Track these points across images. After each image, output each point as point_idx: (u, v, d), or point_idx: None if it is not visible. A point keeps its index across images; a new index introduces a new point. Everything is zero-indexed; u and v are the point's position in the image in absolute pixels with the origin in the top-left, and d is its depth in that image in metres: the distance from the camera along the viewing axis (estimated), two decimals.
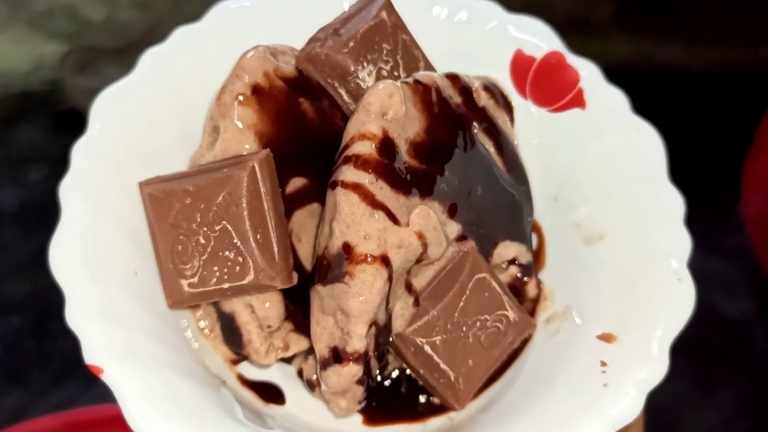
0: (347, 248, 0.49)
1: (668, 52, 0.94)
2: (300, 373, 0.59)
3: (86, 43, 0.85)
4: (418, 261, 0.52)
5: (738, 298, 0.52)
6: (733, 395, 0.73)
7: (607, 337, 0.53)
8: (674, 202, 0.56)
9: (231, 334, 0.56)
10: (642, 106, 0.58)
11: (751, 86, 0.77)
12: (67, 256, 0.50)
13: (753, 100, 0.78)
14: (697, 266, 0.57)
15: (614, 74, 0.60)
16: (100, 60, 0.58)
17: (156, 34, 0.60)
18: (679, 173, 0.57)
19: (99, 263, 0.50)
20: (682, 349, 0.50)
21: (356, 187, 0.49)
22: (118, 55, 0.59)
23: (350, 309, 0.50)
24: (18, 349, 0.54)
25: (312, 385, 0.57)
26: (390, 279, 0.50)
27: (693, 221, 0.57)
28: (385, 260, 0.49)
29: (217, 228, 0.52)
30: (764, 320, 0.79)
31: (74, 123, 0.56)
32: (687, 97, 0.91)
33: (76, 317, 0.48)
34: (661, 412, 0.66)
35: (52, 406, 0.67)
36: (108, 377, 0.46)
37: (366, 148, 0.50)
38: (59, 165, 0.52)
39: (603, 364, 0.51)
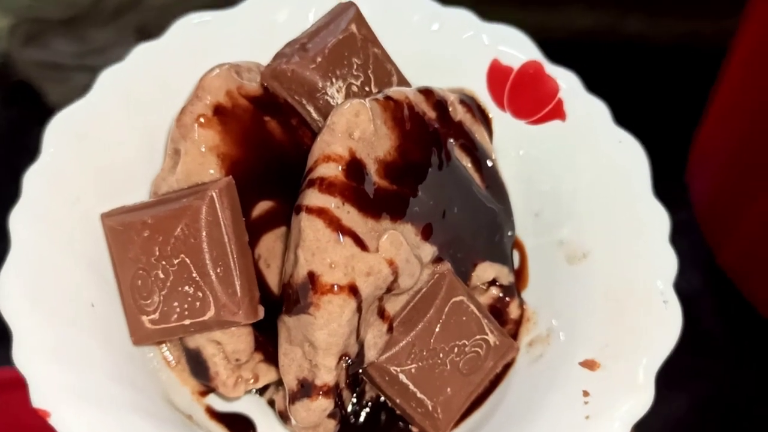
0: (312, 277, 0.47)
1: (631, 23, 0.92)
2: (272, 404, 0.56)
3: (34, 14, 0.81)
4: (389, 290, 0.49)
5: (685, 274, 0.50)
6: (682, 376, 0.71)
7: (590, 364, 0.50)
8: (659, 219, 0.53)
9: (197, 366, 0.54)
10: (603, 78, 0.56)
11: (716, 58, 0.74)
12: (15, 292, 0.47)
13: (715, 73, 0.76)
14: None
15: (575, 46, 0.57)
16: (48, 32, 0.56)
17: (103, 4, 0.58)
18: None
19: (51, 298, 0.48)
20: None
21: (321, 212, 0.47)
22: (67, 26, 0.57)
23: (317, 341, 0.47)
24: None
25: (285, 417, 0.55)
26: (359, 309, 0.48)
27: None
28: (353, 289, 0.47)
29: (175, 262, 0.49)
30: (712, 296, 0.79)
31: (24, 95, 0.53)
32: (650, 69, 0.89)
33: (23, 357, 0.45)
34: None
35: None
36: (56, 421, 0.43)
37: (331, 171, 0.47)
38: (9, 136, 0.49)
39: (586, 393, 0.49)
